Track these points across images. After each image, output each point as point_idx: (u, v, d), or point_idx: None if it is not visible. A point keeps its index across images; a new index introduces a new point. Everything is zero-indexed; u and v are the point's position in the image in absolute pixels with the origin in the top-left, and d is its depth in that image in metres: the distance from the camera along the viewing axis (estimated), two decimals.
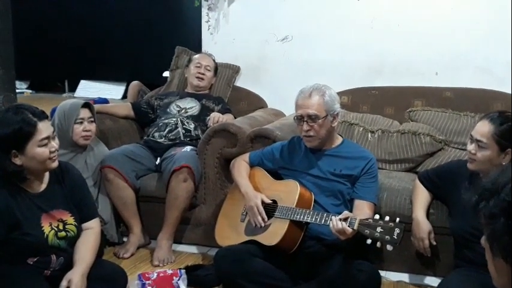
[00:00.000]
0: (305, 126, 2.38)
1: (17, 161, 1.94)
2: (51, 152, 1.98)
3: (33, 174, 2.02)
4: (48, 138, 1.97)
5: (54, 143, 2.01)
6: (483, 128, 2.15)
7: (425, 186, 2.52)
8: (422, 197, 2.50)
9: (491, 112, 2.25)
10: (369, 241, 2.05)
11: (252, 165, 2.68)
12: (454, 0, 3.38)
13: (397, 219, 2.04)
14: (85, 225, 2.17)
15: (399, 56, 3.53)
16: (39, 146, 1.94)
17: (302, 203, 2.35)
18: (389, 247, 2.01)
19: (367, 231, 2.04)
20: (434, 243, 2.38)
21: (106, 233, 2.83)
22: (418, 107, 3.27)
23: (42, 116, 1.98)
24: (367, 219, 2.11)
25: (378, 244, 2.03)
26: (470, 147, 2.19)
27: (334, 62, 3.63)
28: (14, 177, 1.96)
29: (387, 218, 2.06)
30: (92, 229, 2.18)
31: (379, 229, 2.02)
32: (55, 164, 2.03)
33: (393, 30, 3.52)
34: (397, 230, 2.00)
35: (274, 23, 3.77)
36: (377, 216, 2.10)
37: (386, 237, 2.00)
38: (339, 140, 2.54)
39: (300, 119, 2.41)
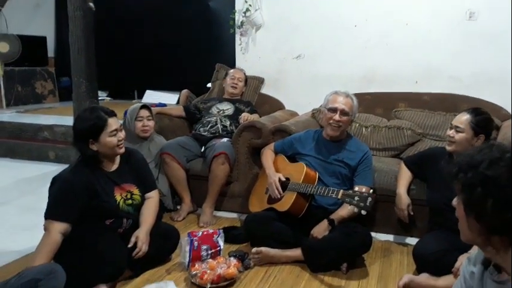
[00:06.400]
0: (337, 117, 2.34)
1: (93, 147, 1.97)
2: (118, 141, 2.00)
3: (106, 157, 2.04)
4: (116, 130, 1.98)
5: (121, 134, 2.02)
6: (462, 117, 2.16)
7: (409, 168, 2.47)
8: (405, 176, 2.46)
9: (470, 108, 2.24)
10: (350, 207, 2.02)
11: (276, 152, 2.67)
12: (430, 25, 3.30)
13: (371, 191, 2.00)
14: (147, 195, 2.19)
15: (387, 68, 3.47)
16: (109, 136, 1.97)
17: (307, 180, 2.34)
18: (363, 212, 1.96)
19: (347, 200, 2.01)
20: (412, 213, 2.35)
21: (164, 201, 2.86)
22: (402, 108, 3.22)
23: (111, 113, 2.01)
24: (348, 189, 2.09)
25: (356, 210, 1.98)
26: (450, 132, 2.18)
27: (336, 74, 3.58)
28: (91, 160, 1.99)
29: (364, 190, 2.03)
30: (153, 198, 2.20)
31: (356, 198, 1.98)
32: (122, 150, 2.05)
33: (383, 49, 3.46)
34: (369, 199, 1.95)
35: (290, 45, 3.74)
36: (356, 189, 2.06)
37: (361, 204, 1.96)
38: (345, 134, 2.50)
39: (334, 110, 2.36)
